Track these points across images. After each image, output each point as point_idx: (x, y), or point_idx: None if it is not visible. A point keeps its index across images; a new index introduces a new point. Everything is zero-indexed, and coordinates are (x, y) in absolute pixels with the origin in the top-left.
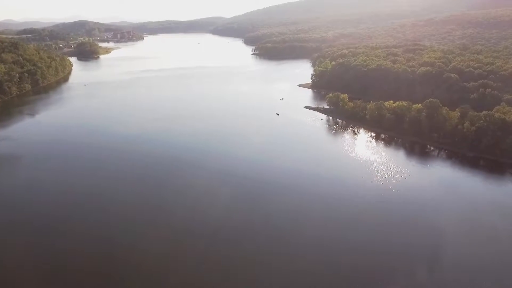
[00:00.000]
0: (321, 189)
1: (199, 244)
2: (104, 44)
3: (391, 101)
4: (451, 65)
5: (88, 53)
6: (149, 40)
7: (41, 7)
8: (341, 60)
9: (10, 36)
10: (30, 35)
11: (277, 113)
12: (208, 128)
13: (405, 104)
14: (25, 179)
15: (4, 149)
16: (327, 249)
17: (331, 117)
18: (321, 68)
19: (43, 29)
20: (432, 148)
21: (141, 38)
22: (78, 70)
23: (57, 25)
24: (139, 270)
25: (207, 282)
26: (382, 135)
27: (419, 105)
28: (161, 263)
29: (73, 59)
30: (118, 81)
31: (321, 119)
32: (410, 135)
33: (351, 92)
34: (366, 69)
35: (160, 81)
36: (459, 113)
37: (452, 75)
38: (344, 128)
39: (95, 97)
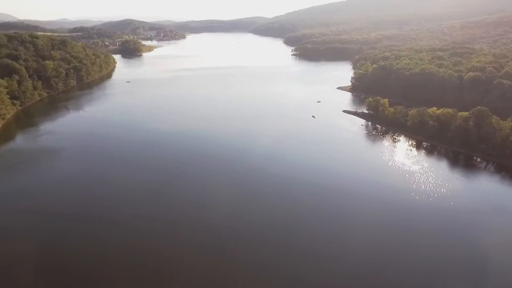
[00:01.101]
0: (360, 193)
1: (242, 243)
2: (147, 42)
3: (435, 108)
4: (504, 70)
5: (131, 51)
6: (191, 39)
7: (92, 6)
8: (383, 63)
9: (62, 34)
10: (80, 33)
11: (313, 116)
12: (247, 128)
13: (451, 112)
14: (65, 171)
15: (48, 142)
16: (371, 253)
17: (370, 123)
18: (361, 71)
19: (92, 28)
20: (479, 160)
21: (183, 37)
22: (121, 67)
23: (105, 24)
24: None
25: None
26: (424, 143)
27: (465, 113)
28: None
29: (117, 57)
30: (159, 79)
31: (361, 125)
32: (455, 145)
33: (392, 97)
34: (409, 73)
35: (200, 79)
36: (511, 123)
37: (505, 81)
38: (383, 134)
39: (137, 94)
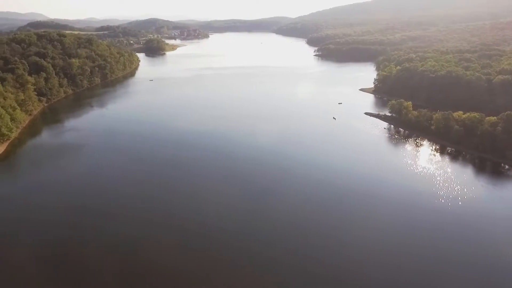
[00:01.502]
0: (382, 195)
1: (263, 239)
2: (171, 41)
3: (461, 112)
4: None
5: (155, 50)
6: (214, 38)
7: (120, 6)
8: (407, 65)
9: (89, 33)
10: (106, 32)
11: (334, 118)
12: (268, 128)
13: (477, 116)
14: (87, 167)
15: (71, 138)
16: (389, 255)
17: (392, 126)
18: (385, 73)
19: (118, 26)
20: (506, 167)
21: (206, 36)
22: (145, 66)
23: (131, 23)
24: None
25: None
26: (448, 148)
27: (493, 118)
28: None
29: (141, 55)
30: (181, 78)
31: (383, 128)
32: (481, 151)
33: (416, 100)
34: (434, 76)
35: (222, 79)
36: None
37: None
38: (406, 138)
39: (159, 93)
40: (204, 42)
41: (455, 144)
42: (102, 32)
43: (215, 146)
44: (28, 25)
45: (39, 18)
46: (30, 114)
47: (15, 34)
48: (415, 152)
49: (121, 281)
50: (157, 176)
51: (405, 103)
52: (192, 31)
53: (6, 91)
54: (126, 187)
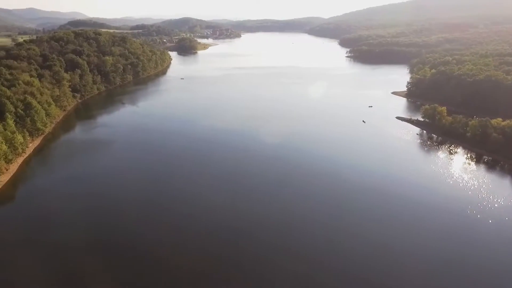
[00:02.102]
0: (413, 199)
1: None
2: (203, 40)
3: (500, 119)
4: None
5: (187, 49)
6: (246, 37)
7: (155, 5)
8: (443, 68)
9: (125, 31)
10: (140, 30)
11: (363, 121)
12: (298, 128)
13: None
14: (116, 162)
15: (101, 135)
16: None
17: (425, 131)
18: (418, 76)
19: (152, 25)
20: None
21: (238, 36)
22: (176, 64)
23: (164, 22)
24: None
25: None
26: (484, 157)
27: None
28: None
29: (173, 54)
30: (212, 77)
31: (416, 134)
32: None
33: (451, 105)
34: (471, 80)
35: (252, 78)
36: None
37: None
38: (439, 144)
39: (190, 91)
40: (235, 42)
41: (493, 153)
42: (136, 31)
43: (246, 145)
44: (68, 24)
45: (79, 17)
46: (64, 110)
47: (55, 33)
48: (448, 160)
49: (136, 276)
50: (187, 173)
51: (439, 108)
52: (224, 30)
53: (43, 87)
54: (153, 184)
